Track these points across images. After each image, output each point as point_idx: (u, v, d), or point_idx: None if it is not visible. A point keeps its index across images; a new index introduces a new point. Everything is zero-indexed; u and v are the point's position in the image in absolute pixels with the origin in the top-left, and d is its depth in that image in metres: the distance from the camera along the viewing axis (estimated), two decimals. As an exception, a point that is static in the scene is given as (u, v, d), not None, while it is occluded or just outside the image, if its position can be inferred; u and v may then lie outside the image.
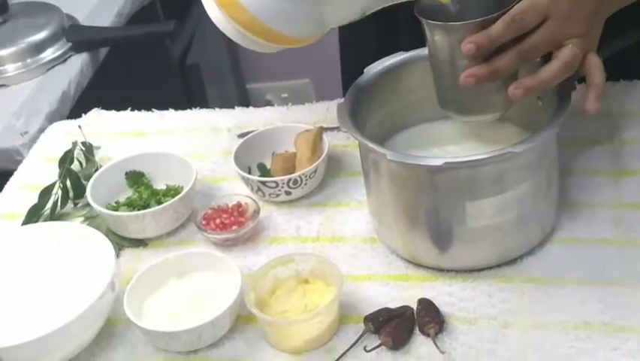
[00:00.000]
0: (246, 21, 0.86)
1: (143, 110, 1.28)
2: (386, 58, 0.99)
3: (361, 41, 1.19)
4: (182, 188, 1.05)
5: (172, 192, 1.06)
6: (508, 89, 0.86)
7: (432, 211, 0.88)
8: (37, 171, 1.19)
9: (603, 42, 0.92)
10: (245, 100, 2.62)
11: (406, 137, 1.00)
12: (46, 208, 1.08)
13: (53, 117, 1.37)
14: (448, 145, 0.98)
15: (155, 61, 1.82)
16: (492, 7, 0.85)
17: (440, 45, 0.88)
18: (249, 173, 1.07)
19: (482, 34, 0.84)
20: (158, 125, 1.24)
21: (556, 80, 0.86)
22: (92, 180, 1.06)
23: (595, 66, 0.87)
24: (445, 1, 0.87)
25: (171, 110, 1.27)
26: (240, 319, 0.90)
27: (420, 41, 0.91)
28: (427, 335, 0.84)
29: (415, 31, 0.90)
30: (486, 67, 0.85)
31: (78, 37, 1.55)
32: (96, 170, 1.10)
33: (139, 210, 1.03)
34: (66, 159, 1.13)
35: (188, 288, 0.92)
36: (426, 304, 0.87)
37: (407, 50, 0.99)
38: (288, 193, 1.04)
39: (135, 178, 1.09)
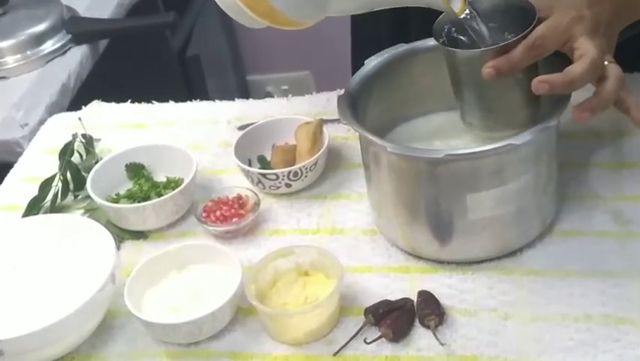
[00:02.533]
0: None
1: (143, 103, 1.28)
2: (386, 50, 0.99)
3: (376, 34, 1.18)
4: (182, 180, 1.05)
5: (172, 184, 1.06)
6: (531, 104, 0.88)
7: (432, 203, 0.88)
8: (38, 164, 1.19)
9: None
10: (245, 92, 2.62)
11: (407, 129, 1.00)
12: (46, 200, 1.08)
13: (53, 109, 1.37)
14: (449, 137, 0.98)
15: (155, 53, 1.82)
16: (509, 21, 0.87)
17: (461, 69, 0.89)
18: (249, 165, 1.07)
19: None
20: (158, 118, 1.24)
21: (583, 79, 0.84)
22: (92, 172, 1.06)
23: (614, 75, 0.87)
24: (459, 13, 0.86)
25: (171, 102, 1.27)
26: (241, 311, 0.90)
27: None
28: (427, 327, 0.85)
29: (427, 22, 0.90)
30: (505, 57, 0.85)
31: (78, 28, 1.55)
32: (96, 162, 1.10)
33: (139, 202, 1.03)
34: (66, 151, 1.13)
35: (189, 280, 0.92)
36: (426, 297, 0.87)
37: (420, 38, 0.99)
38: (288, 186, 1.04)
39: (135, 170, 1.09)
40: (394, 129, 1.00)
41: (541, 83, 0.85)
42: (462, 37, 0.90)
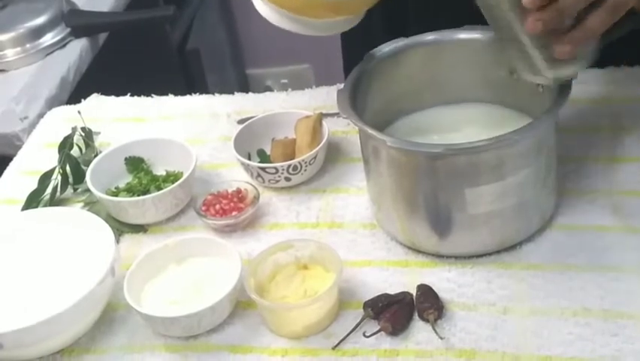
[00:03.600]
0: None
1: (142, 96, 1.28)
2: (386, 44, 0.98)
3: (367, 28, 1.18)
4: (181, 174, 1.05)
5: (172, 177, 1.06)
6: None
7: (431, 197, 0.88)
8: (37, 157, 1.19)
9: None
10: (244, 86, 2.61)
11: (407, 123, 1.00)
12: (45, 194, 1.08)
13: (53, 103, 1.37)
14: (449, 132, 0.98)
15: (154, 46, 1.82)
16: None
17: (499, 3, 0.82)
18: (249, 159, 1.07)
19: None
20: (158, 111, 1.24)
21: (602, 27, 0.80)
22: (91, 165, 1.06)
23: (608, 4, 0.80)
24: None
25: (171, 96, 1.27)
26: (240, 304, 0.90)
27: (428, 28, 0.90)
28: (427, 320, 0.85)
29: (425, 20, 0.89)
30: (550, 7, 0.79)
31: (77, 22, 1.55)
32: (96, 155, 1.10)
33: (139, 195, 1.03)
34: (66, 145, 1.13)
35: (188, 273, 0.92)
36: (425, 290, 0.87)
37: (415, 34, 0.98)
38: (287, 179, 1.04)
39: (135, 164, 1.09)
40: (394, 123, 1.00)
41: (564, 44, 0.80)
42: None
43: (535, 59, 0.84)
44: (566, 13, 0.80)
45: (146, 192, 1.04)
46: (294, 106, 1.16)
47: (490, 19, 0.86)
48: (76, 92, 1.43)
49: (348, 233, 0.98)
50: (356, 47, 0.98)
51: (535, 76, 0.86)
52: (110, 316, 0.92)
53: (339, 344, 0.84)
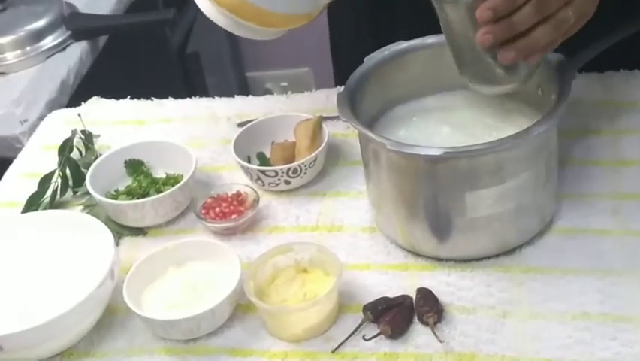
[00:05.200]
0: (233, 4, 0.85)
1: (142, 99, 1.28)
2: (386, 47, 0.98)
3: (357, 33, 1.18)
4: (181, 177, 1.05)
5: (171, 180, 1.06)
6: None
7: (431, 201, 0.88)
8: (37, 160, 1.19)
9: (604, 32, 0.92)
10: (244, 88, 2.62)
11: (407, 126, 1.00)
12: (45, 196, 1.08)
13: (53, 105, 1.37)
14: (450, 135, 0.98)
15: (154, 49, 1.82)
16: None
17: (454, 18, 0.85)
18: (249, 162, 1.07)
19: None
20: (158, 114, 1.24)
21: (544, 39, 0.83)
22: (91, 168, 1.06)
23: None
24: None
25: (171, 99, 1.27)
26: (240, 308, 0.90)
27: (418, 34, 0.90)
28: (426, 324, 0.85)
29: (414, 24, 0.89)
30: (502, 22, 0.81)
31: (77, 25, 1.55)
32: (95, 158, 1.10)
33: (138, 198, 1.03)
34: (65, 148, 1.13)
35: (188, 277, 0.92)
36: (425, 294, 0.87)
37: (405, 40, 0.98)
38: (287, 182, 1.04)
39: (135, 167, 1.09)
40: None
41: (507, 51, 0.83)
42: None
43: (484, 69, 0.87)
44: (517, 27, 0.82)
45: (145, 195, 1.04)
46: (294, 109, 1.16)
47: (446, 29, 0.87)
48: (76, 95, 1.43)
49: (347, 236, 0.98)
50: (345, 52, 0.98)
51: (479, 85, 0.90)
52: (109, 319, 0.92)
53: (338, 347, 0.84)
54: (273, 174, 1.03)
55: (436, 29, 0.88)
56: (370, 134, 0.87)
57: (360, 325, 0.86)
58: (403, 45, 0.99)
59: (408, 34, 0.97)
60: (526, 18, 0.81)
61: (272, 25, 0.89)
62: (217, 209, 1.01)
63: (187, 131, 1.18)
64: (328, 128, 1.07)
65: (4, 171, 1.19)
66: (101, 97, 1.29)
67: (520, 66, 0.86)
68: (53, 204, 1.07)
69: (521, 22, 0.82)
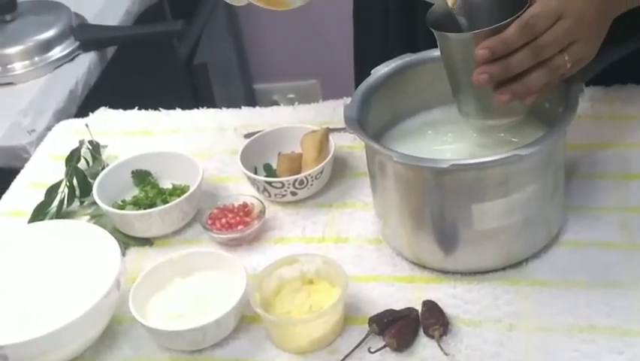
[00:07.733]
0: None
1: (150, 110, 1.28)
2: (393, 60, 0.99)
3: (384, 43, 1.18)
4: (188, 187, 1.05)
5: (178, 191, 1.06)
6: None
7: (438, 213, 0.88)
8: (44, 169, 1.19)
9: (611, 45, 0.92)
10: (252, 100, 2.62)
11: (415, 138, 1.00)
12: (52, 206, 1.08)
13: (60, 116, 1.38)
14: (457, 148, 0.98)
15: (162, 60, 1.82)
16: (498, 15, 0.85)
17: (455, 55, 0.89)
18: (255, 173, 1.07)
19: (495, 38, 0.84)
20: (165, 125, 1.25)
21: (539, 83, 0.86)
22: (98, 178, 1.07)
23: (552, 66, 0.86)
24: (452, 5, 0.87)
25: (178, 110, 1.27)
26: (245, 319, 0.90)
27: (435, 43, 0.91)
28: (432, 336, 0.84)
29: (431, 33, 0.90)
30: (498, 63, 0.85)
31: (86, 35, 1.55)
32: (103, 168, 1.11)
33: (145, 209, 1.03)
34: (73, 158, 1.13)
35: (194, 287, 0.92)
36: (431, 306, 0.87)
37: (426, 49, 0.99)
38: (293, 194, 1.04)
39: (142, 177, 1.09)
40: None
41: (502, 94, 0.86)
42: (456, 29, 0.90)
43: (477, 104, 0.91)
44: (513, 69, 0.85)
45: (152, 205, 1.04)
46: (301, 121, 1.16)
47: (447, 61, 0.91)
48: (84, 106, 1.43)
49: (353, 248, 0.98)
50: (372, 63, 0.98)
51: (475, 119, 0.93)
52: (114, 329, 0.92)
53: (344, 359, 0.84)
54: (280, 185, 1.03)
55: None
56: (377, 147, 0.87)
57: (366, 337, 0.85)
58: (409, 58, 0.99)
59: (429, 45, 0.98)
60: (522, 62, 0.85)
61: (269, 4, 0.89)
62: (223, 220, 1.01)
63: (194, 142, 1.19)
64: (335, 140, 1.07)
65: (12, 180, 1.19)
66: (109, 107, 1.30)
67: (517, 104, 0.89)
68: (60, 214, 1.07)
69: (517, 65, 0.85)
